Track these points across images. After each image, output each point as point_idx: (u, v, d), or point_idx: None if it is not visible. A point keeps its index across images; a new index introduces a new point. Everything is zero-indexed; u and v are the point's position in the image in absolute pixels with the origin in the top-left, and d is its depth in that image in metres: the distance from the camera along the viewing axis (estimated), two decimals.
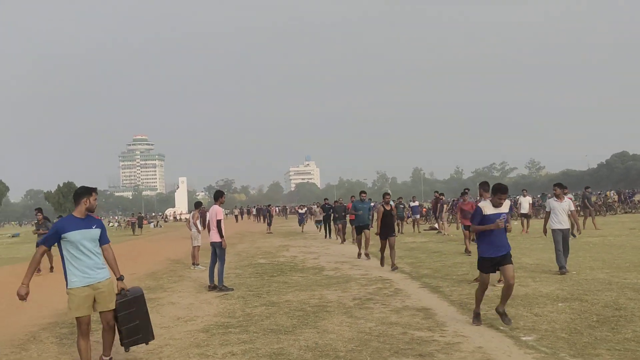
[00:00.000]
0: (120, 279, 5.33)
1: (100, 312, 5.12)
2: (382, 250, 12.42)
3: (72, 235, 4.94)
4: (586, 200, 22.19)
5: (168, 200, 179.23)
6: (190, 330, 7.09)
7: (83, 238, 4.98)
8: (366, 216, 14.91)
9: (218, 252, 10.29)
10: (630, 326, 6.21)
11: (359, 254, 15.16)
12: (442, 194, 25.81)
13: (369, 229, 14.82)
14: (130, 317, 5.22)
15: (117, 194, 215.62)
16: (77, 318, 4.99)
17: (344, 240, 20.89)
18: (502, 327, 6.46)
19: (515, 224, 22.26)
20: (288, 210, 79.97)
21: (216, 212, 10.20)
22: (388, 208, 12.43)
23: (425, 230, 26.10)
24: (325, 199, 26.77)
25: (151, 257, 19.12)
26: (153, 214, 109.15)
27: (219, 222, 10.15)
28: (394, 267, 11.82)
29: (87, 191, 5.16)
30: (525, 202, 21.78)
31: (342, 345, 5.95)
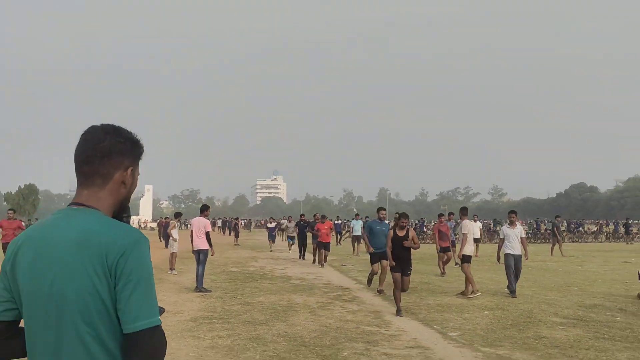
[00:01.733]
0: None
1: None
2: (396, 288, 9.15)
3: None
4: (555, 229, 23.54)
5: (131, 208, 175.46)
6: (180, 320, 8.46)
7: None
8: (384, 240, 10.97)
9: (202, 257, 11.68)
10: (534, 329, 7.90)
11: (314, 261, 17.66)
12: (367, 216, 27.72)
13: (386, 259, 10.91)
14: None
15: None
16: None
17: (316, 261, 18.63)
18: (435, 327, 8.06)
19: None
20: (253, 224, 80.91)
21: (205, 224, 11.65)
22: (401, 234, 9.09)
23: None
24: (301, 215, 23.99)
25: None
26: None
27: (208, 233, 11.61)
28: (399, 312, 8.88)
29: None
30: (476, 227, 23.71)
31: (307, 334, 7.45)
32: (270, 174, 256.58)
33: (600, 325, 8.16)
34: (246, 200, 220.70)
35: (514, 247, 11.24)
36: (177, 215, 17.17)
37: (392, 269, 9.15)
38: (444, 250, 15.09)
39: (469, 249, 11.35)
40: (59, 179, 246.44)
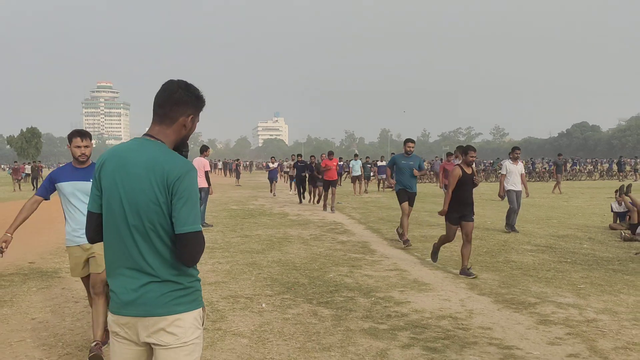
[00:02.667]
0: None
1: (90, 276, 4.34)
2: (445, 240, 7.77)
3: (64, 186, 4.24)
4: (555, 167, 24.15)
5: None
6: None
7: (75, 190, 4.23)
8: (413, 180, 9.67)
9: (203, 195, 12.44)
10: (505, 255, 8.70)
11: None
12: (367, 157, 28.39)
13: (413, 201, 9.90)
14: None
15: None
16: (81, 280, 4.49)
17: (317, 201, 18.62)
18: (415, 254, 8.86)
19: None
20: (255, 165, 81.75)
21: (203, 163, 12.35)
22: (469, 172, 7.51)
23: (385, 188, 28.62)
24: (297, 155, 21.36)
25: None
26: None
27: (207, 172, 12.35)
28: (466, 271, 7.21)
29: (69, 137, 4.31)
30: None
31: (298, 260, 8.26)
32: (271, 116, 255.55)
33: (566, 252, 8.94)
34: (248, 142, 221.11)
35: (515, 183, 11.22)
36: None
37: (449, 219, 7.59)
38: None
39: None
40: (61, 122, 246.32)
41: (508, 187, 11.28)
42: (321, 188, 17.78)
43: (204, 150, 12.78)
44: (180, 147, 2.29)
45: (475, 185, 7.61)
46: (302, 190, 19.97)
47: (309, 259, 8.38)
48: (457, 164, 7.78)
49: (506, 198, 11.52)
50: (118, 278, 2.16)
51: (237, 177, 35.81)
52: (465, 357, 4.24)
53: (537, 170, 39.09)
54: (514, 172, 11.28)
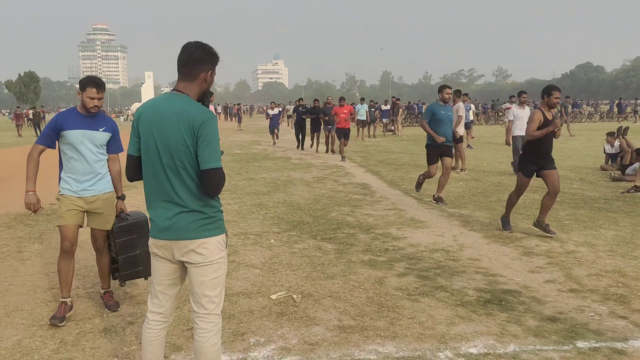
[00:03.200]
0: (121, 198, 4.30)
1: (91, 229, 4.19)
2: (517, 196, 6.79)
3: (71, 134, 3.94)
4: (563, 109, 24.05)
5: (132, 94, 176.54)
6: None
7: (85, 139, 3.97)
8: (451, 130, 8.52)
9: None
10: (498, 195, 9.18)
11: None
12: (398, 99, 28.22)
13: (452, 154, 8.82)
14: (130, 245, 4.27)
15: (77, 85, 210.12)
16: (60, 228, 4.01)
17: (332, 150, 17.20)
18: (413, 194, 9.34)
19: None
20: (255, 109, 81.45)
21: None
22: (550, 117, 6.53)
23: (385, 132, 28.91)
24: (299, 100, 20.87)
25: None
26: (117, 108, 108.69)
27: None
28: (546, 228, 6.43)
29: (82, 85, 4.03)
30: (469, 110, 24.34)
31: (303, 201, 8.75)
32: (271, 58, 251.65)
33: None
34: (247, 86, 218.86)
35: (523, 128, 10.43)
36: None
37: (523, 172, 6.66)
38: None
39: (460, 130, 12.16)
40: (58, 66, 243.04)
41: (516, 132, 11.03)
42: (331, 134, 16.81)
43: (209, 95, 13.05)
44: (203, 98, 2.69)
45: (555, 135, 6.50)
46: (302, 137, 19.26)
47: (313, 200, 8.87)
48: (538, 107, 6.62)
49: (512, 145, 11.32)
50: (156, 209, 2.61)
51: (239, 121, 36.02)
52: (454, 283, 4.77)
53: None
54: (521, 117, 10.94)
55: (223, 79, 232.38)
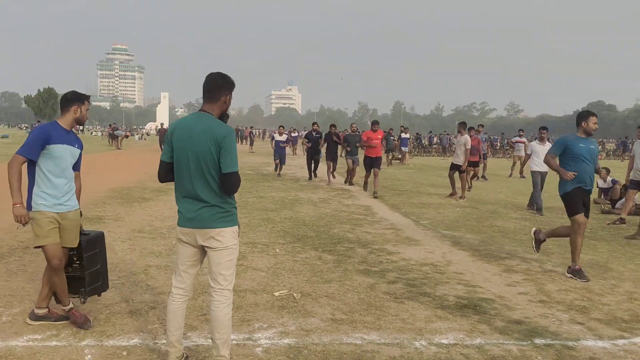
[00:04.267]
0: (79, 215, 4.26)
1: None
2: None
3: (58, 149, 3.91)
4: None
5: (147, 114, 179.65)
6: None
7: (68, 154, 4.00)
8: (593, 170, 6.41)
9: None
10: (491, 221, 9.78)
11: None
12: (406, 128, 28.73)
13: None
14: (94, 260, 4.34)
15: (94, 103, 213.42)
16: (46, 248, 3.93)
17: (350, 181, 15.37)
18: (412, 217, 9.95)
19: None
20: (268, 133, 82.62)
21: None
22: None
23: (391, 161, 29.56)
24: (313, 124, 17.76)
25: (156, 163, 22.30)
26: (134, 127, 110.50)
27: None
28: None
29: (80, 98, 4.11)
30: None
31: (308, 218, 9.40)
32: (285, 84, 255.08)
33: (547, 220, 10.00)
34: (261, 110, 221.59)
35: (541, 164, 10.68)
36: None
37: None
38: (472, 164, 14.55)
39: (461, 159, 12.71)
40: (76, 84, 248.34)
41: (534, 168, 11.05)
42: (351, 162, 14.97)
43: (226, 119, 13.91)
44: (223, 118, 3.39)
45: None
46: (314, 166, 17.08)
47: (317, 217, 9.52)
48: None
49: (530, 180, 11.29)
50: (183, 203, 3.29)
51: (251, 144, 36.98)
52: (437, 291, 5.37)
53: None
54: (540, 152, 10.91)
55: (237, 102, 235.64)
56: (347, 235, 8.03)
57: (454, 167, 12.87)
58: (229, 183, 3.19)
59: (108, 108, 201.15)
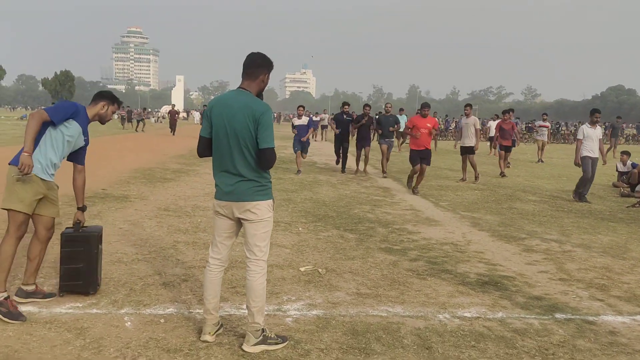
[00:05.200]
0: (81, 209, 4.31)
1: (38, 216, 4.01)
2: None
3: (76, 127, 4.00)
4: (611, 130, 23.55)
5: (161, 97, 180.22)
6: None
7: (78, 136, 4.04)
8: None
9: None
10: (510, 203, 9.84)
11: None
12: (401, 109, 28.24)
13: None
14: (73, 257, 4.18)
15: (109, 86, 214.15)
16: (15, 213, 3.82)
17: (384, 171, 13.69)
18: (431, 199, 10.05)
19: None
20: (282, 117, 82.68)
21: None
22: None
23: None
24: (344, 106, 14.40)
25: (174, 145, 22.55)
26: (149, 110, 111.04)
27: None
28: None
29: (112, 98, 4.23)
30: (494, 126, 24.56)
31: (328, 199, 9.54)
32: (299, 68, 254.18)
33: (565, 202, 10.05)
34: (275, 94, 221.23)
35: (593, 149, 10.24)
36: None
37: None
38: (504, 148, 14.51)
39: (473, 141, 12.76)
40: (92, 67, 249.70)
41: (584, 153, 10.25)
42: (385, 148, 13.60)
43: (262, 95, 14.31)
44: (259, 94, 3.51)
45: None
46: (344, 153, 14.14)
47: (337, 198, 9.66)
48: None
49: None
50: (221, 177, 3.43)
51: None
52: (458, 268, 5.49)
53: (561, 132, 39.47)
54: (591, 137, 10.27)
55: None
56: (367, 215, 8.16)
57: (466, 151, 12.80)
58: (265, 158, 3.31)
59: (123, 91, 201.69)
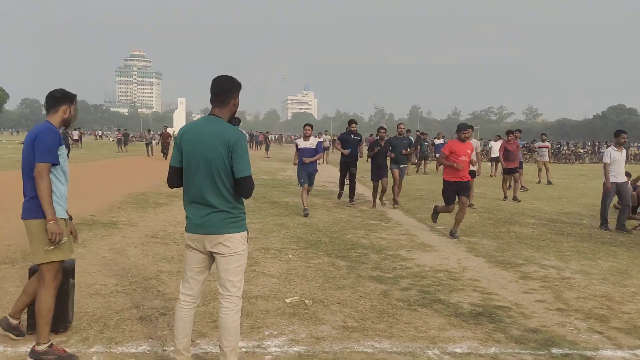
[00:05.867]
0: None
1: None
2: None
3: (63, 149, 3.67)
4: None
5: (164, 119, 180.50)
6: None
7: (64, 159, 3.71)
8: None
9: None
10: (508, 226, 9.61)
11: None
12: (424, 134, 28.39)
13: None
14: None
15: (112, 109, 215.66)
16: (53, 262, 3.60)
17: (396, 201, 12.07)
18: (427, 222, 9.83)
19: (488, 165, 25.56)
20: (284, 139, 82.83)
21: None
22: None
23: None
24: (351, 124, 12.39)
25: None
26: (150, 132, 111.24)
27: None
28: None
29: (70, 97, 3.78)
30: (496, 147, 23.97)
31: (322, 224, 9.34)
32: (301, 89, 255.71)
33: (565, 225, 9.82)
34: (277, 115, 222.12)
35: (620, 173, 9.52)
36: None
37: None
38: (509, 171, 13.50)
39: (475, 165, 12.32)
40: (95, 90, 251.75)
41: (612, 179, 9.48)
42: (397, 173, 11.98)
43: (236, 122, 14.11)
44: (234, 122, 3.34)
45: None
46: (351, 182, 12.11)
47: (331, 223, 9.45)
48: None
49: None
50: (192, 209, 3.25)
51: (267, 149, 37.01)
52: (451, 298, 5.26)
53: (562, 152, 39.32)
54: (619, 160, 9.56)
55: (253, 107, 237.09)
56: (361, 240, 7.95)
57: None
58: (244, 187, 3.16)
59: (126, 114, 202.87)
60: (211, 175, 3.15)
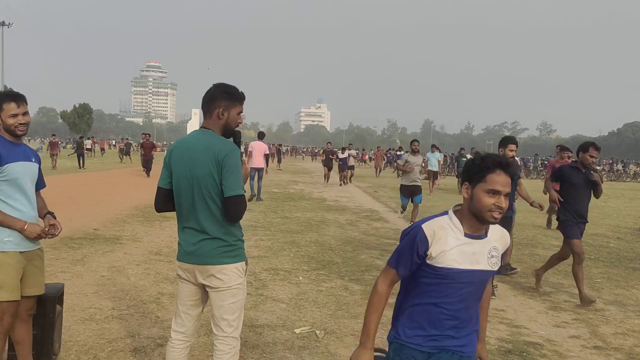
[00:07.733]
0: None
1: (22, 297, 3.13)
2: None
3: (14, 168, 3.07)
4: None
5: (178, 129, 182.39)
6: None
7: (26, 174, 3.15)
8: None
9: (260, 173, 14.42)
10: (531, 249, 9.12)
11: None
12: (437, 148, 27.82)
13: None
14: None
15: (127, 119, 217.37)
16: (8, 305, 3.03)
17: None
18: None
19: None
20: (297, 151, 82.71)
21: (264, 147, 14.69)
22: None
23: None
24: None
25: None
26: (164, 143, 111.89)
27: (266, 155, 14.67)
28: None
29: (15, 97, 3.11)
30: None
31: (334, 242, 8.90)
32: (314, 102, 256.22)
33: (592, 248, 9.29)
34: (290, 127, 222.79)
35: None
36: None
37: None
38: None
39: None
40: (111, 100, 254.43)
41: None
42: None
43: (261, 136, 15.38)
44: (231, 135, 2.90)
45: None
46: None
47: (344, 241, 9.02)
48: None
49: None
50: (184, 234, 2.85)
51: (279, 161, 36.71)
52: None
53: None
54: None
55: (266, 119, 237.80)
56: (375, 262, 7.51)
57: None
58: (233, 208, 2.71)
59: (141, 124, 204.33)
60: (201, 196, 2.75)
